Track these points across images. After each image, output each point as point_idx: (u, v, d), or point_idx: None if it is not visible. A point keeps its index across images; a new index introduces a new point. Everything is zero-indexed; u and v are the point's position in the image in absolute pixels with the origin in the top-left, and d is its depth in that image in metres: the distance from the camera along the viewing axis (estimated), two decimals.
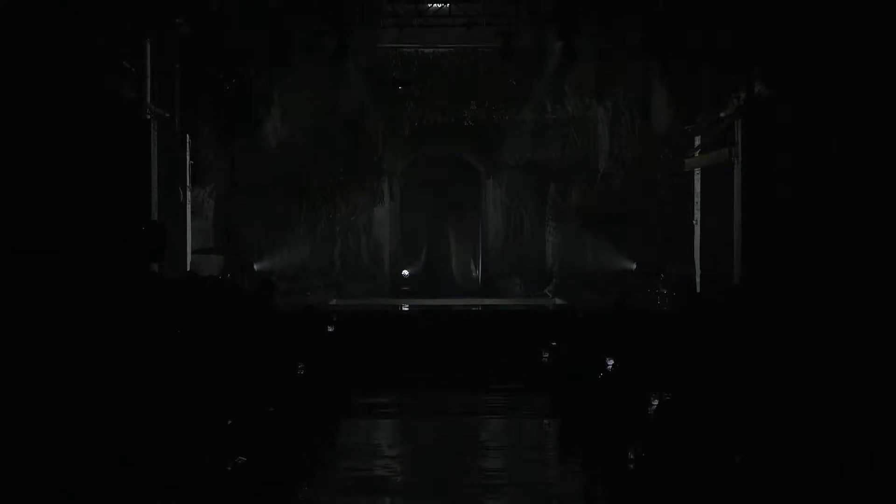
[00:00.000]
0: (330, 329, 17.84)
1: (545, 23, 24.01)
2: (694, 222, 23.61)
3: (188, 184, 23.01)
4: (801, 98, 18.32)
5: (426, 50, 25.59)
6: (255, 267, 24.97)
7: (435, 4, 23.98)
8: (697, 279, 23.02)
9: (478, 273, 27.72)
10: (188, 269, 21.95)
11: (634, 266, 25.30)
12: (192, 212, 23.71)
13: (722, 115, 21.63)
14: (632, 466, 9.80)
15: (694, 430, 9.01)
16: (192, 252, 23.33)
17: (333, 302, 23.76)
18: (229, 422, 10.10)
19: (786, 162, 18.68)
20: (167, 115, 20.78)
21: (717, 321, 12.32)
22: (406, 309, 23.02)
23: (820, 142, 17.82)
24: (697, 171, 23.41)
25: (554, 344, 16.95)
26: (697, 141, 23.45)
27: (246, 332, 13.33)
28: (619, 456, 10.08)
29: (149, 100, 19.43)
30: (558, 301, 24.46)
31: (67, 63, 15.24)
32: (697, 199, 23.45)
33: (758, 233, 19.50)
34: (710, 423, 8.90)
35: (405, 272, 27.40)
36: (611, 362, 13.36)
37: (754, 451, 8.20)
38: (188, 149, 22.85)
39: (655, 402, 10.27)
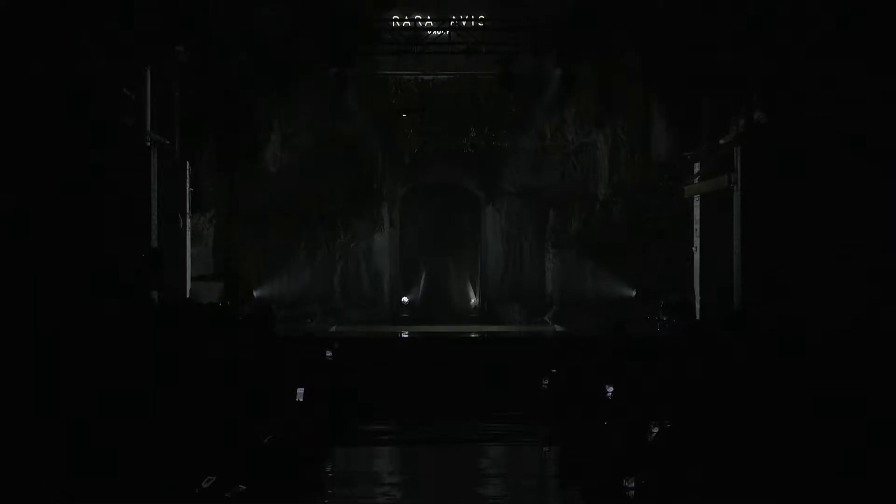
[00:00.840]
0: (329, 355, 17.83)
1: (545, 50, 24.05)
2: (693, 249, 23.60)
3: (188, 211, 23.01)
4: (801, 125, 18.35)
5: (426, 77, 25.68)
6: (255, 294, 24.95)
7: (434, 32, 24.06)
8: (697, 305, 22.99)
9: (477, 299, 27.71)
10: (188, 295, 21.93)
11: (634, 292, 25.29)
12: (191, 239, 23.69)
13: (721, 141, 21.65)
14: (631, 494, 9.76)
15: (693, 456, 8.99)
16: (192, 279, 23.31)
17: (333, 328, 23.73)
18: (229, 449, 10.07)
19: (785, 188, 18.70)
20: (167, 141, 20.80)
21: (716, 347, 12.32)
22: (406, 335, 22.99)
23: (819, 169, 17.84)
24: (697, 198, 23.41)
25: (553, 371, 16.93)
26: (697, 167, 23.46)
27: (245, 360, 13.31)
28: (619, 483, 10.04)
29: (149, 127, 19.45)
30: (558, 328, 24.43)
31: (68, 89, 15.28)
32: (697, 226, 23.43)
33: (757, 259, 19.49)
34: (709, 449, 8.88)
35: (405, 299, 27.40)
36: (610, 389, 13.34)
37: (753, 477, 8.18)
38: (188, 176, 22.86)
39: (655, 430, 10.24)
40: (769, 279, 18.73)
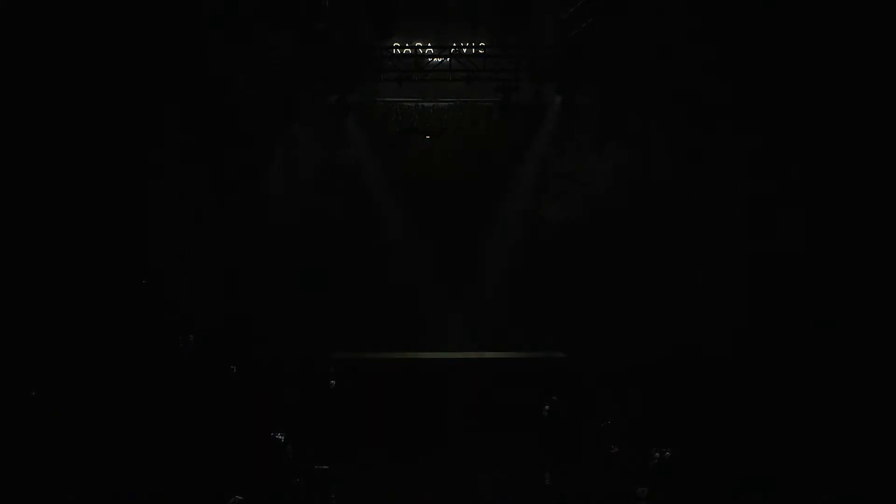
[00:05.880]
0: (332, 383, 17.82)
1: (545, 77, 24.15)
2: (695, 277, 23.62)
3: (189, 234, 23.02)
4: (797, 150, 18.42)
5: (426, 103, 25.79)
6: (255, 318, 24.93)
7: (435, 59, 24.16)
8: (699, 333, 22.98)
9: (478, 326, 27.66)
10: (189, 319, 21.92)
11: (636, 320, 25.26)
12: (192, 262, 23.69)
13: (721, 167, 21.71)
14: None
15: (693, 482, 9.01)
16: (193, 303, 23.29)
17: (334, 355, 23.71)
18: (226, 480, 10.10)
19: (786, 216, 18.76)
20: (169, 165, 20.87)
21: (717, 375, 12.34)
22: (406, 361, 22.94)
23: (820, 194, 17.89)
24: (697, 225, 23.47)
25: (554, 398, 16.95)
26: (697, 194, 23.52)
27: (245, 389, 13.33)
28: None
29: (151, 150, 19.53)
30: (560, 354, 24.40)
31: (72, 111, 15.37)
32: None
33: (759, 287, 19.52)
34: (708, 475, 8.90)
35: (405, 325, 27.34)
36: (611, 417, 13.35)
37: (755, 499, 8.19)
38: (189, 199, 22.88)
39: (657, 456, 10.26)
40: (771, 307, 18.76)
